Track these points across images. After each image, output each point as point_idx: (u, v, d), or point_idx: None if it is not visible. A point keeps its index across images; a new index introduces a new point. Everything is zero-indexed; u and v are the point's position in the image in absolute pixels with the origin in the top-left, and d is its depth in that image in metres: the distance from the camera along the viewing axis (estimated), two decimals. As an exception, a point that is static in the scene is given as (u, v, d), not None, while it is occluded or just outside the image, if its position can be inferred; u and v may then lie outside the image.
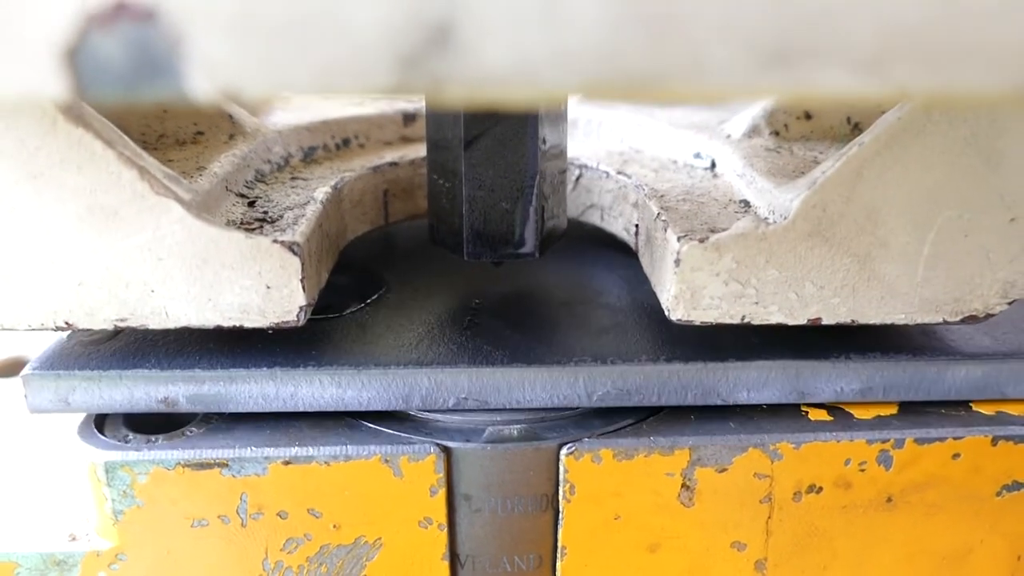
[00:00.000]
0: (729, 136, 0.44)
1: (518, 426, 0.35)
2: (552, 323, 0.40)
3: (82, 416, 0.36)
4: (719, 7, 0.17)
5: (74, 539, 0.35)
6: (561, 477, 0.35)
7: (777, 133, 0.43)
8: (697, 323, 0.33)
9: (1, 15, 0.17)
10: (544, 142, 0.37)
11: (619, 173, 0.43)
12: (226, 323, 0.32)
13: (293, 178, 0.41)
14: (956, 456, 0.36)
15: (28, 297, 0.31)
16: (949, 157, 0.31)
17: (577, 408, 0.36)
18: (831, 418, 0.36)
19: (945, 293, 0.33)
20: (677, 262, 0.32)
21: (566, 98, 0.40)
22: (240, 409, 0.35)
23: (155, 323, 0.32)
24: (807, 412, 0.37)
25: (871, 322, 0.34)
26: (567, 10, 0.17)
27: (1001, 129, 0.31)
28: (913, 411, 0.37)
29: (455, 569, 0.36)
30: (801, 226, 0.32)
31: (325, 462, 0.34)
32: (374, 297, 0.42)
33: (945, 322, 0.34)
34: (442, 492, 0.34)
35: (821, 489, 0.36)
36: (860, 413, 0.37)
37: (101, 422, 0.35)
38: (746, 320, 0.33)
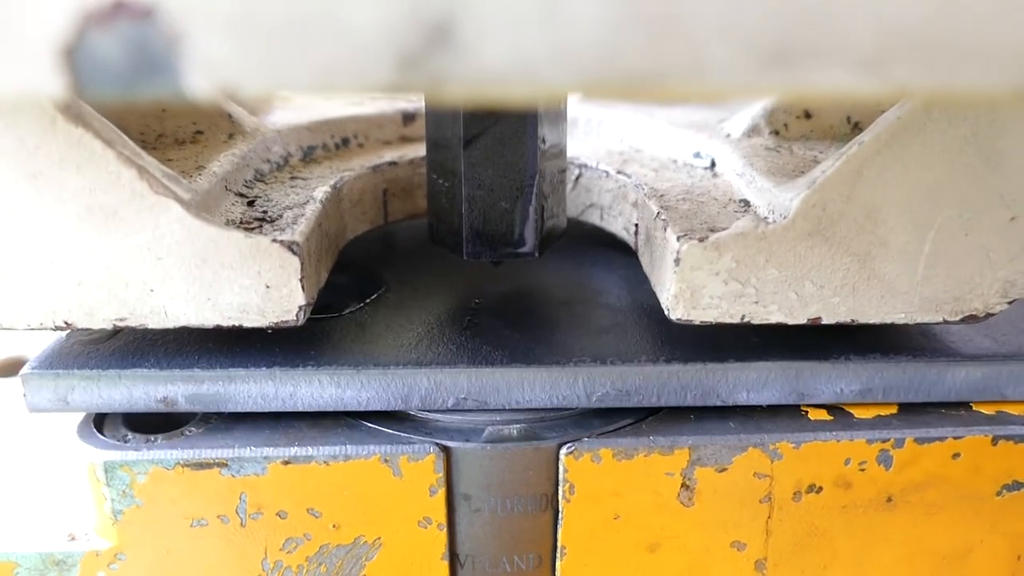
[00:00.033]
0: (729, 135, 0.44)
1: (518, 426, 0.35)
2: (551, 323, 0.40)
3: (81, 415, 0.36)
4: (719, 6, 0.17)
5: (73, 539, 0.35)
6: (561, 477, 0.35)
7: (777, 132, 0.43)
8: (697, 322, 0.33)
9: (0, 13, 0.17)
10: (544, 141, 0.37)
11: (619, 172, 0.43)
12: (225, 323, 0.32)
13: (292, 177, 0.41)
14: (956, 456, 0.36)
15: (27, 296, 0.31)
16: (949, 156, 0.31)
17: (577, 408, 0.36)
18: (831, 418, 0.36)
19: (945, 292, 0.33)
20: (677, 261, 0.32)
21: (566, 97, 0.40)
22: (239, 409, 0.35)
23: (154, 323, 0.32)
24: (807, 412, 0.37)
25: (871, 321, 0.34)
26: (567, 9, 0.17)
27: (1001, 128, 0.31)
28: (913, 411, 0.37)
29: (455, 569, 0.36)
30: (801, 225, 0.32)
31: (324, 462, 0.34)
32: (373, 297, 0.42)
33: (945, 321, 0.34)
34: (442, 492, 0.34)
35: (821, 489, 0.36)
36: (860, 413, 0.37)
37: (100, 422, 0.35)
38: (746, 319, 0.33)
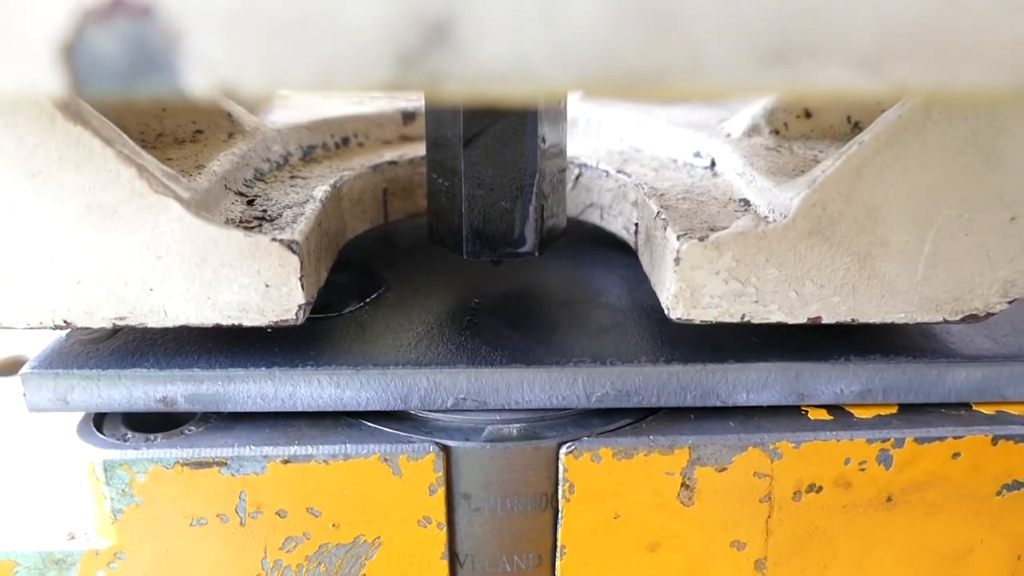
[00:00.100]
0: (729, 135, 0.44)
1: (517, 425, 0.35)
2: (551, 323, 0.40)
3: (81, 415, 0.36)
4: (718, 4, 0.17)
5: (73, 538, 0.35)
6: (560, 476, 0.35)
7: (777, 132, 0.43)
8: (697, 322, 0.33)
9: (-2, 11, 0.17)
10: (544, 141, 0.37)
11: (619, 172, 0.43)
12: (225, 322, 0.32)
13: (292, 177, 0.41)
14: (956, 455, 0.36)
15: (27, 296, 0.31)
16: (949, 156, 0.31)
17: (576, 407, 0.36)
18: (831, 417, 0.36)
19: (945, 292, 0.33)
20: (677, 260, 0.32)
21: (565, 96, 0.40)
22: (239, 408, 0.35)
23: (154, 322, 0.32)
24: (807, 411, 0.37)
25: (871, 321, 0.34)
26: (566, 7, 0.17)
27: (1001, 128, 0.31)
28: (913, 410, 0.37)
29: (454, 568, 0.36)
30: (801, 225, 0.32)
31: (324, 461, 0.34)
32: (373, 296, 0.42)
33: (945, 321, 0.34)
34: (441, 491, 0.34)
35: (821, 488, 0.36)
36: (860, 412, 0.37)
37: (100, 421, 0.35)
38: (746, 319, 0.33)
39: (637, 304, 0.42)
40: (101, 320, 0.32)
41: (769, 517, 0.36)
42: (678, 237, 0.33)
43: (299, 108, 0.48)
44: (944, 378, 0.37)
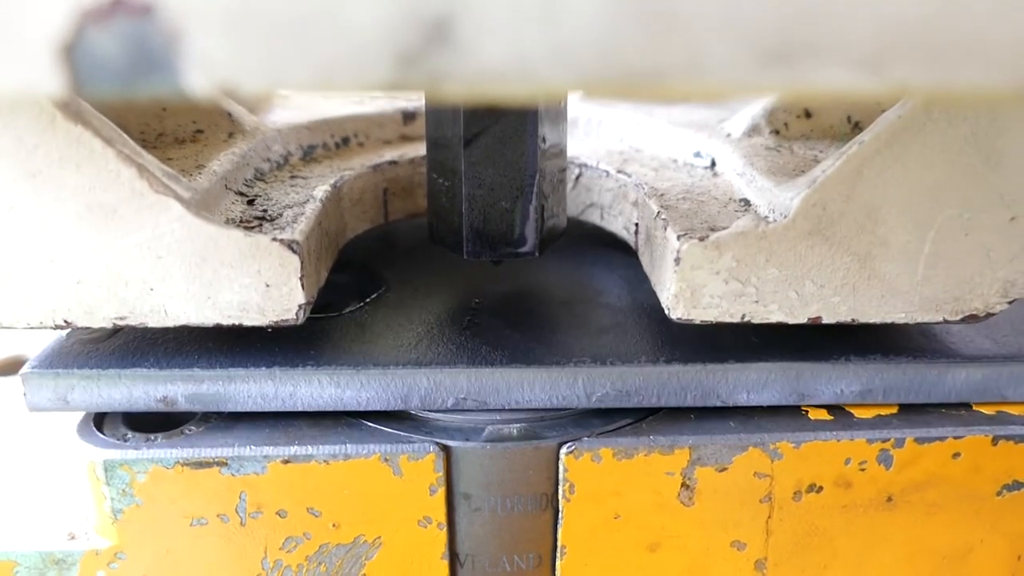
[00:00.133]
0: (729, 135, 0.44)
1: (518, 425, 0.35)
2: (552, 323, 0.40)
3: (81, 415, 0.36)
4: (718, 4, 0.17)
5: (73, 538, 0.35)
6: (561, 476, 0.35)
7: (777, 132, 0.43)
8: (697, 322, 0.33)
9: (-2, 11, 0.17)
10: (544, 141, 0.37)
11: (619, 172, 0.43)
12: (225, 321, 0.32)
13: (292, 176, 0.41)
14: (956, 455, 0.36)
15: (27, 295, 0.31)
16: (949, 156, 0.31)
17: (577, 407, 0.36)
18: (831, 417, 0.36)
19: (945, 292, 0.33)
20: (677, 260, 0.32)
21: (566, 96, 0.40)
22: (239, 408, 0.35)
23: (154, 321, 0.32)
24: (807, 411, 0.37)
25: (871, 321, 0.34)
26: (566, 7, 0.17)
27: (1001, 128, 0.31)
28: (913, 410, 0.37)
29: (454, 568, 0.36)
30: (801, 225, 0.32)
31: (324, 461, 0.34)
32: (373, 296, 0.42)
33: (945, 321, 0.34)
34: (441, 491, 0.34)
35: (821, 488, 0.36)
36: (860, 412, 0.37)
37: (100, 421, 0.35)
38: (746, 319, 0.33)
39: (637, 304, 0.41)
40: (101, 320, 0.32)
41: (769, 517, 0.36)
42: (678, 237, 0.33)
43: (299, 108, 0.48)
44: (944, 378, 0.37)
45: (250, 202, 0.37)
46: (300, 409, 0.35)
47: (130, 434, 0.34)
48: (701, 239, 0.32)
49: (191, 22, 0.17)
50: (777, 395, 0.36)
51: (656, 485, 0.35)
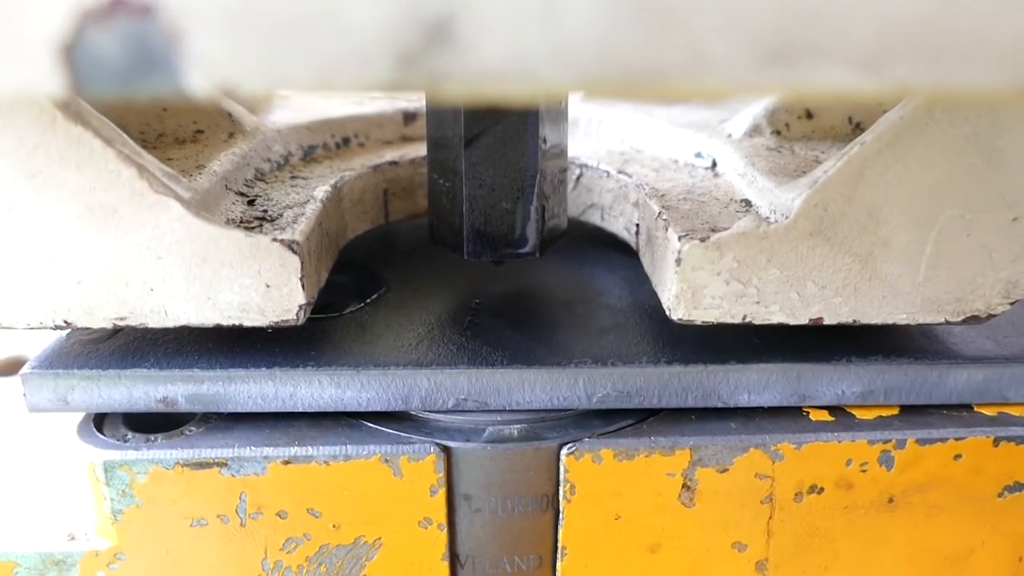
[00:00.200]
0: (730, 135, 0.44)
1: (518, 426, 0.35)
2: (552, 323, 0.40)
3: (81, 415, 0.36)
4: (719, 4, 0.17)
5: (73, 539, 0.35)
6: (561, 477, 0.35)
7: (778, 132, 0.43)
8: (698, 323, 0.33)
9: (-2, 11, 0.17)
10: (545, 141, 0.37)
11: (620, 172, 0.42)
12: (225, 322, 0.32)
13: (293, 177, 0.41)
14: (958, 457, 0.36)
15: (27, 296, 0.31)
16: (951, 156, 0.31)
17: (577, 408, 0.36)
18: (832, 418, 0.36)
19: (947, 293, 0.33)
20: (678, 261, 0.32)
21: (566, 96, 0.40)
22: (239, 409, 0.35)
23: (154, 322, 0.32)
24: (808, 412, 0.37)
25: (873, 322, 0.34)
26: (566, 6, 0.17)
27: (1002, 128, 0.31)
28: (915, 411, 0.37)
29: (455, 569, 0.36)
30: (803, 225, 0.32)
31: (324, 462, 0.34)
32: (374, 297, 0.42)
33: (947, 322, 0.34)
34: (442, 492, 0.34)
35: (822, 490, 0.36)
36: (861, 413, 0.37)
37: (100, 421, 0.35)
38: (747, 320, 0.33)
39: (638, 305, 0.41)
40: (101, 320, 0.32)
41: (770, 518, 0.36)
42: (679, 238, 0.32)
43: (299, 108, 0.48)
44: (946, 379, 0.37)
45: (250, 202, 0.37)
46: (300, 410, 0.35)
47: (130, 435, 0.34)
48: (702, 240, 0.32)
49: (191, 22, 0.17)
50: (778, 396, 0.36)
51: (657, 486, 0.35)
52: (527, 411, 0.36)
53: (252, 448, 0.33)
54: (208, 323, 0.32)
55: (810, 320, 0.34)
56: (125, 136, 0.31)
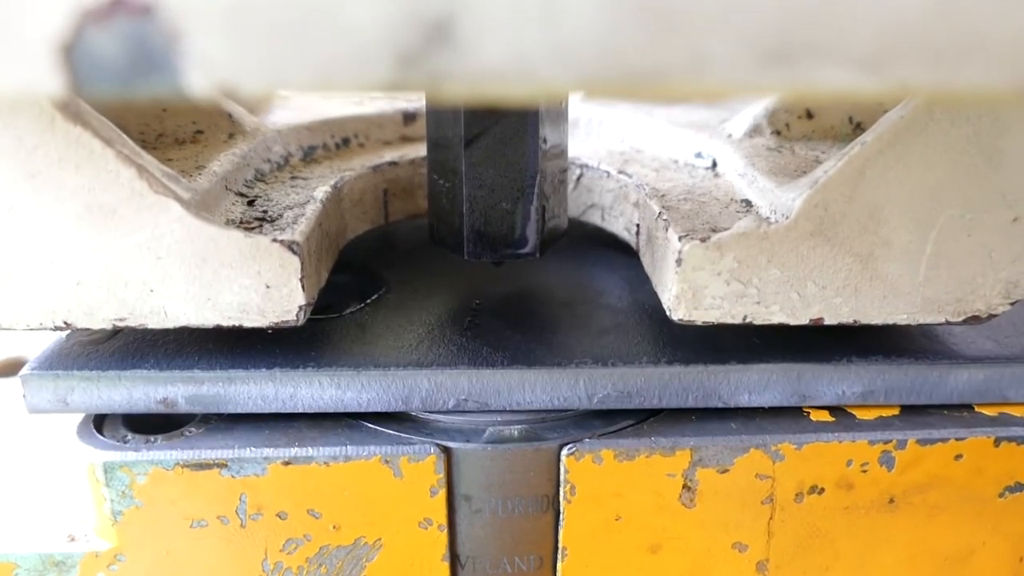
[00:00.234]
0: (730, 135, 0.44)
1: (519, 426, 0.35)
2: (553, 324, 0.40)
3: (81, 416, 0.36)
4: (719, 3, 0.17)
5: (73, 540, 0.35)
6: (562, 478, 0.35)
7: (779, 132, 0.43)
8: (699, 323, 0.33)
9: (-3, 11, 0.17)
10: (545, 141, 0.37)
11: (620, 173, 0.42)
12: (225, 323, 0.32)
13: (293, 177, 0.41)
14: (958, 457, 0.36)
15: (26, 296, 0.31)
16: (951, 156, 0.31)
17: (578, 409, 0.36)
18: (833, 419, 0.36)
19: (947, 293, 0.33)
20: (678, 261, 0.32)
21: (567, 96, 0.40)
22: (239, 410, 0.35)
23: (154, 323, 0.32)
24: (809, 413, 0.37)
25: (873, 322, 0.34)
26: (566, 6, 0.17)
27: (1003, 128, 0.31)
28: (915, 412, 0.37)
29: (455, 570, 0.36)
30: (803, 225, 0.32)
31: (325, 462, 0.33)
32: (374, 297, 0.42)
33: (947, 322, 0.34)
34: (442, 493, 0.34)
35: (823, 490, 0.36)
36: (862, 414, 0.36)
37: (100, 422, 0.35)
38: (748, 320, 0.33)
39: (638, 305, 0.41)
40: (101, 321, 0.32)
41: (771, 519, 0.36)
42: (680, 238, 0.32)
43: (299, 109, 0.48)
44: (946, 379, 0.37)
45: (250, 203, 0.37)
46: (300, 410, 0.35)
47: (130, 436, 0.34)
48: (703, 240, 0.32)
49: (191, 22, 0.17)
50: (779, 396, 0.36)
51: (657, 486, 0.35)
52: (527, 411, 0.36)
53: (252, 449, 0.33)
54: (208, 324, 0.32)
55: (810, 320, 0.33)
56: (125, 136, 0.31)
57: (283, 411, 0.35)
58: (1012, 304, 0.34)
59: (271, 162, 0.42)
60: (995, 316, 0.34)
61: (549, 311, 0.41)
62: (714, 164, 0.43)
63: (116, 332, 0.37)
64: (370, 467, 0.34)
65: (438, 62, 0.18)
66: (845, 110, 0.43)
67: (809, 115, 0.43)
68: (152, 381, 0.34)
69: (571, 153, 0.43)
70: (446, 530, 0.35)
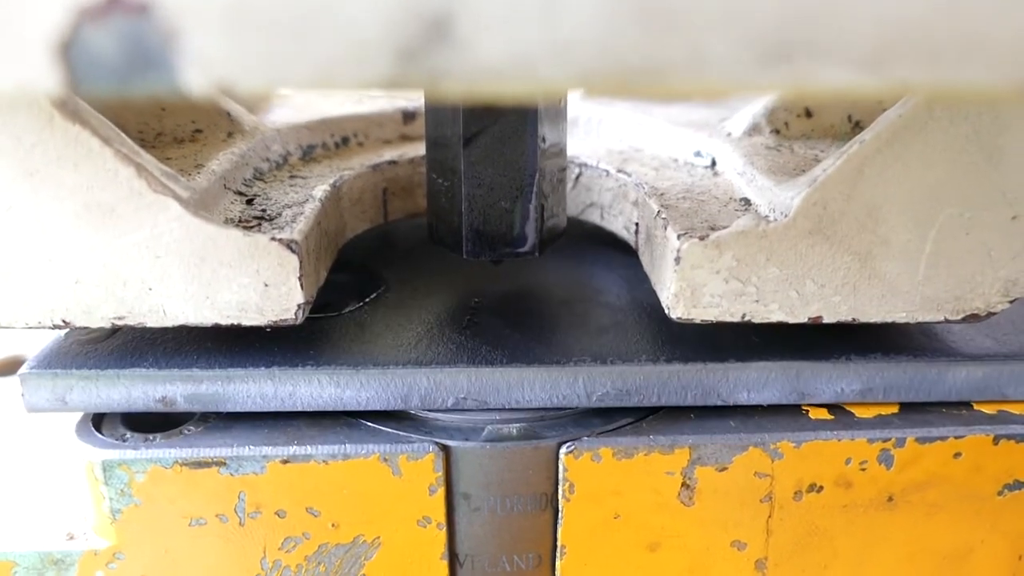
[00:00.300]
0: (729, 134, 0.44)
1: (517, 424, 0.35)
2: (552, 322, 0.40)
3: (80, 415, 0.36)
4: (719, 2, 0.17)
5: (72, 538, 0.35)
6: (560, 476, 0.35)
7: (778, 131, 0.43)
8: (697, 321, 0.33)
9: (-5, 9, 0.17)
10: (544, 140, 0.37)
11: (619, 171, 0.42)
12: (224, 321, 0.32)
13: (292, 176, 0.41)
14: (957, 455, 0.36)
15: (25, 295, 0.31)
16: (951, 154, 0.31)
17: (577, 407, 0.36)
18: (832, 417, 0.36)
19: (946, 291, 0.33)
20: (677, 260, 0.32)
21: (565, 95, 0.40)
22: (238, 409, 0.35)
23: (153, 321, 0.32)
24: (807, 411, 0.37)
25: (872, 320, 0.34)
26: (565, 4, 0.17)
27: (1002, 126, 0.31)
28: (914, 410, 0.37)
29: (454, 568, 0.36)
30: (802, 224, 0.32)
31: (323, 461, 0.33)
32: (373, 296, 0.42)
33: (946, 321, 0.34)
34: (441, 491, 0.34)
35: (822, 488, 0.36)
36: (861, 412, 0.36)
37: (99, 421, 0.35)
38: (746, 318, 0.33)
39: (637, 303, 0.41)
40: (100, 320, 0.32)
41: (770, 517, 0.36)
42: (678, 236, 0.32)
43: (298, 107, 0.48)
44: (945, 377, 0.37)
45: (249, 202, 0.36)
46: (299, 409, 0.35)
47: (129, 434, 0.34)
48: (701, 238, 0.32)
49: (188, 20, 0.17)
50: (777, 394, 0.36)
51: (656, 485, 0.35)
52: (526, 410, 0.36)
53: (251, 447, 0.33)
54: (206, 322, 0.32)
55: (809, 318, 0.34)
56: (123, 135, 0.31)
57: (282, 409, 0.35)
58: (1011, 302, 0.34)
59: (270, 161, 0.42)
60: (994, 314, 0.34)
61: (548, 310, 0.41)
62: (713, 163, 0.43)
63: (115, 331, 0.37)
64: (369, 465, 0.34)
65: (437, 59, 0.18)
66: (844, 108, 0.43)
67: (808, 114, 0.43)
68: (151, 380, 0.34)
69: (570, 152, 0.43)
70: (445, 528, 0.35)
